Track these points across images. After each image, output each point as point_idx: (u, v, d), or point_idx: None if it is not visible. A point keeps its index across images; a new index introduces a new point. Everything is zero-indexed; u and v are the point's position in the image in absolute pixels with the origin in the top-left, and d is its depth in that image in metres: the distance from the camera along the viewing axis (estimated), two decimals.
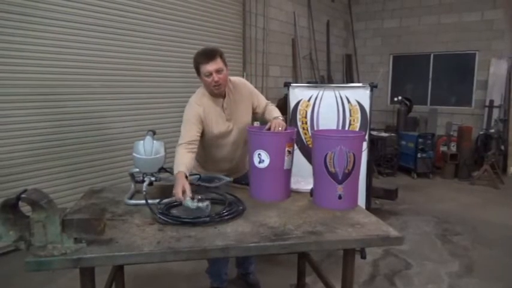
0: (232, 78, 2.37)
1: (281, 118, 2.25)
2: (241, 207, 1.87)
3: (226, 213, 1.77)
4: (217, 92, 2.23)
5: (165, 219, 1.71)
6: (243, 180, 2.37)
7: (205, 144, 2.34)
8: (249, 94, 2.40)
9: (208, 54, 2.16)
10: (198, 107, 2.24)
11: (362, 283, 3.04)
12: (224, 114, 2.30)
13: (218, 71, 2.14)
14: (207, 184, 2.19)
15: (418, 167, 6.63)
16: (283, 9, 6.85)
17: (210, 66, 2.12)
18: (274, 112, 2.35)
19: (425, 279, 3.12)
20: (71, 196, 3.70)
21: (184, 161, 2.07)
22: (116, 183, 4.12)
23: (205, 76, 2.15)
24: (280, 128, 2.12)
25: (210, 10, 5.33)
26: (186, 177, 1.95)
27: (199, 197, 1.81)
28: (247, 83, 2.46)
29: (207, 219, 1.71)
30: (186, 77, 4.89)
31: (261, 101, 2.43)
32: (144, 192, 1.91)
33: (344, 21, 8.98)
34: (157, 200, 1.91)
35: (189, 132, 2.19)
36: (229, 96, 2.31)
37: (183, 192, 1.81)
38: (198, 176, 2.26)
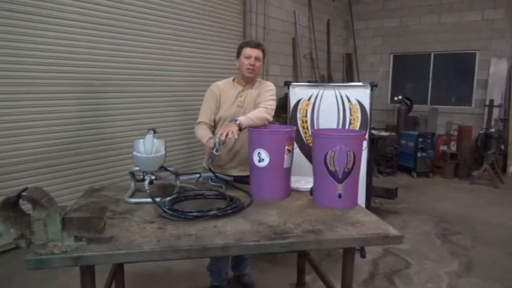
0: (266, 81, 2.62)
1: (240, 121, 2.17)
2: (241, 201, 1.90)
3: (229, 209, 1.80)
4: (248, 76, 2.45)
5: (174, 214, 1.74)
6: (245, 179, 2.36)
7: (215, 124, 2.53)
8: (260, 92, 2.49)
9: (254, 42, 2.55)
10: (217, 88, 2.52)
11: (362, 282, 3.04)
12: (237, 100, 2.47)
13: (257, 58, 2.43)
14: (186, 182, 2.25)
15: (418, 166, 6.64)
16: (283, 8, 6.84)
17: (252, 52, 2.42)
18: (249, 113, 2.30)
19: (424, 278, 3.13)
20: (71, 194, 3.71)
21: (208, 132, 2.39)
22: (116, 181, 4.12)
23: (245, 57, 2.42)
24: (227, 136, 2.07)
25: (211, 9, 5.33)
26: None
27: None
28: (270, 86, 2.53)
29: (214, 212, 1.74)
30: (186, 75, 4.90)
31: (261, 99, 2.44)
32: (148, 191, 1.92)
33: (344, 21, 8.97)
34: (159, 198, 1.91)
35: (206, 113, 2.50)
36: (251, 88, 2.50)
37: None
38: (198, 174, 2.28)
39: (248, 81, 2.50)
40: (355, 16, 8.97)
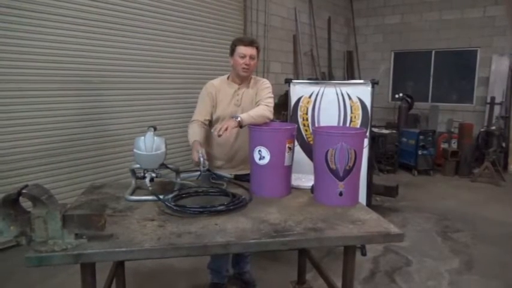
0: (261, 78, 2.60)
1: (241, 118, 2.17)
2: (244, 197, 1.92)
3: (232, 205, 1.81)
4: (242, 75, 2.41)
5: (179, 210, 1.75)
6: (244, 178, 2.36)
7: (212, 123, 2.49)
8: (258, 90, 2.48)
9: (248, 40, 2.47)
10: (212, 87, 2.48)
11: (362, 280, 3.04)
12: (234, 99, 2.45)
13: (251, 57, 2.38)
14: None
15: (419, 164, 6.63)
16: (284, 5, 6.82)
17: (246, 50, 2.36)
18: (251, 111, 2.30)
19: (425, 276, 3.13)
20: (72, 192, 3.70)
21: (196, 132, 2.36)
22: (117, 179, 4.11)
23: (239, 57, 2.37)
24: (224, 130, 2.08)
25: (211, 6, 5.31)
26: (200, 144, 2.22)
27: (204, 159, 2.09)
28: (267, 84, 2.52)
29: (220, 207, 1.76)
30: (186, 73, 4.89)
31: (260, 97, 2.44)
32: (151, 188, 1.92)
33: (345, 18, 8.95)
34: (161, 196, 1.91)
35: (201, 111, 2.45)
36: (247, 86, 2.48)
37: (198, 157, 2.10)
38: (198, 172, 2.26)
39: (243, 79, 2.47)
40: (356, 13, 8.95)
